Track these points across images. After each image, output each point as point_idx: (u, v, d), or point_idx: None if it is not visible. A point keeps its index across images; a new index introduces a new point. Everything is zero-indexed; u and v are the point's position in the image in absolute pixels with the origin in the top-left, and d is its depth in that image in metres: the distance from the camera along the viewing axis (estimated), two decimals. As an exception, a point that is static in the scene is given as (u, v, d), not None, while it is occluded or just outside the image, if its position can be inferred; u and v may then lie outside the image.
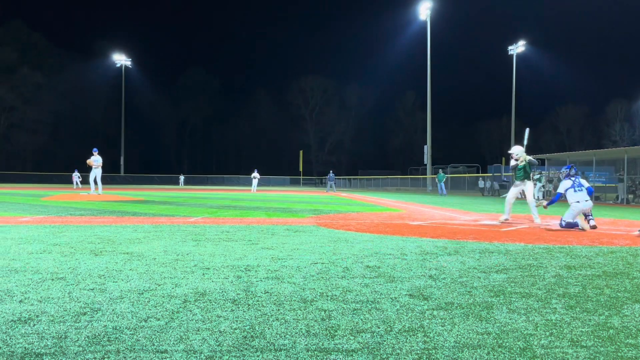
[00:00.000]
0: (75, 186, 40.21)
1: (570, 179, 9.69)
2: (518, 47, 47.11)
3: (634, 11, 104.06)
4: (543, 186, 26.52)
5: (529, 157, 10.59)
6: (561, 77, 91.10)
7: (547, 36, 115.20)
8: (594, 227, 9.06)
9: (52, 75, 78.05)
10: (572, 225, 9.05)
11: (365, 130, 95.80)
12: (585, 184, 9.59)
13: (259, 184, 37.62)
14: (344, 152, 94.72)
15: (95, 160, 20.60)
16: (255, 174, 35.55)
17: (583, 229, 8.87)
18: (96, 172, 20.66)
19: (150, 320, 3.02)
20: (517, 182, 10.74)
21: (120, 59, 63.35)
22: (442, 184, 34.11)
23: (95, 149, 20.90)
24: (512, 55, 47.91)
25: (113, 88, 74.43)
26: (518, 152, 10.74)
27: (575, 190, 9.42)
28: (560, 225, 9.24)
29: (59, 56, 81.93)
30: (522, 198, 10.49)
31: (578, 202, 9.23)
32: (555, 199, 9.82)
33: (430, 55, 45.05)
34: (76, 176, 40.95)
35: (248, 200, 20.60)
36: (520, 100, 58.44)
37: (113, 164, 68.10)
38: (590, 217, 9.26)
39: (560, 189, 9.77)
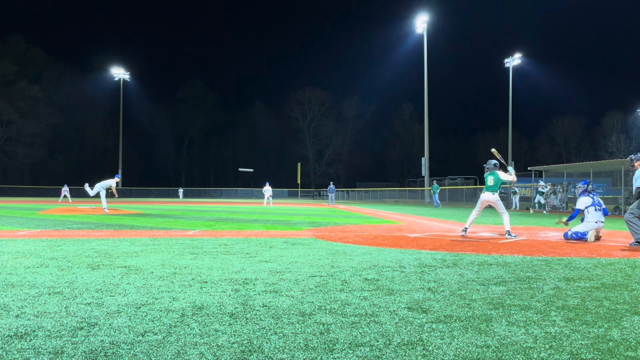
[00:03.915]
0: (61, 199, 39.03)
1: (589, 195, 9.56)
2: (514, 60, 47.45)
3: (629, 24, 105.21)
4: (546, 197, 26.47)
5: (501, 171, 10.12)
6: (557, 89, 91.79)
7: (543, 49, 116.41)
8: (598, 239, 9.07)
9: (50, 89, 78.25)
10: (580, 237, 8.98)
11: (363, 143, 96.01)
12: (602, 203, 9.47)
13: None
14: (342, 165, 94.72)
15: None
16: (267, 187, 35.02)
17: (587, 241, 8.84)
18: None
19: (147, 335, 3.00)
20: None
21: (119, 73, 63.45)
22: (436, 196, 34.10)
23: (117, 175, 20.85)
24: (508, 68, 48.23)
25: (111, 101, 74.57)
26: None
27: (596, 209, 9.28)
28: (566, 235, 9.20)
29: (57, 70, 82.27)
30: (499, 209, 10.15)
31: (597, 222, 9.12)
32: (574, 214, 9.60)
33: (427, 68, 45.37)
34: (65, 190, 40.10)
35: (246, 213, 20.58)
36: (517, 112, 58.78)
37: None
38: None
39: (580, 205, 9.60)
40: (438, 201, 33.97)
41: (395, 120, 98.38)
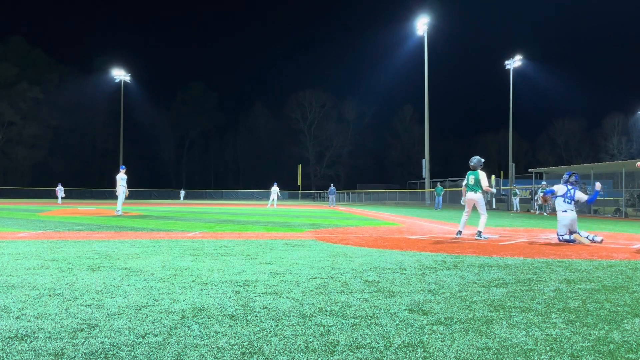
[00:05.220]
0: (60, 201, 38.54)
1: (566, 185, 9.55)
2: (515, 62, 47.42)
3: (630, 25, 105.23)
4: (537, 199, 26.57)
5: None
6: (558, 90, 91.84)
7: (543, 50, 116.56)
8: (597, 242, 9.04)
9: (51, 91, 78.35)
10: (567, 242, 9.01)
11: (364, 144, 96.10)
12: (582, 197, 9.33)
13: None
14: (343, 166, 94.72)
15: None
16: (274, 188, 35.14)
17: (581, 243, 8.84)
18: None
19: (147, 337, 3.00)
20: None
21: (120, 74, 63.42)
22: (440, 198, 33.99)
23: (122, 167, 19.26)
24: (509, 70, 48.20)
25: (112, 103, 74.51)
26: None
27: (564, 200, 9.34)
28: (558, 239, 9.25)
29: (58, 71, 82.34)
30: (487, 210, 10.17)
31: (565, 211, 9.16)
32: (547, 191, 9.87)
33: (427, 69, 45.41)
34: (60, 190, 39.46)
35: (247, 215, 20.57)
36: (518, 113, 58.73)
37: (111, 179, 67.90)
38: (594, 236, 9.17)
39: (554, 188, 9.70)
40: (440, 204, 33.88)
41: (396, 122, 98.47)
